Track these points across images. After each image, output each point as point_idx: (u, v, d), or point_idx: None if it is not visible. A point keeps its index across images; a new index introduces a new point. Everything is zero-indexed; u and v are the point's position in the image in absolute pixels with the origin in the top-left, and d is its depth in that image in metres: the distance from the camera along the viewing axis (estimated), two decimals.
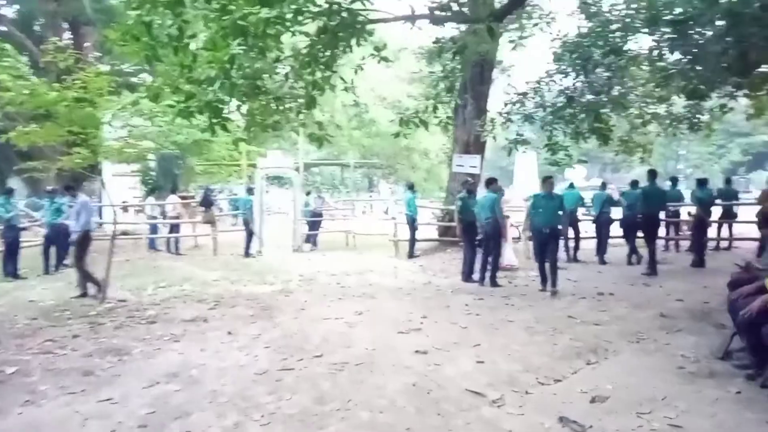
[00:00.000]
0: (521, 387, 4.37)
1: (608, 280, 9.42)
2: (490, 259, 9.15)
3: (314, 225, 15.96)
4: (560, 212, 8.42)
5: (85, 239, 8.55)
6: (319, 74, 8.16)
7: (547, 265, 8.38)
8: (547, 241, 8.27)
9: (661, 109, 12.84)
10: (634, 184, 11.68)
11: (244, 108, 8.43)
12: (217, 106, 7.34)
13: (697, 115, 13.39)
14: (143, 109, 15.40)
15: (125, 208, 20.58)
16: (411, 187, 13.40)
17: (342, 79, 7.71)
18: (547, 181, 8.51)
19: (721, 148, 57.33)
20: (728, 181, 13.81)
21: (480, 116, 12.63)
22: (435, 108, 7.84)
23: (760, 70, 10.82)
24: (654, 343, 5.54)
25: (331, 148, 32.23)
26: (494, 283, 9.02)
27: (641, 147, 16.08)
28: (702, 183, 11.24)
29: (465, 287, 9.06)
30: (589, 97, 9.61)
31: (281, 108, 8.81)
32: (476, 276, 9.26)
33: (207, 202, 13.86)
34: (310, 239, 15.96)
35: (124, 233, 17.80)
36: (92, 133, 8.32)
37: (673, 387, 4.29)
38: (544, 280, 8.41)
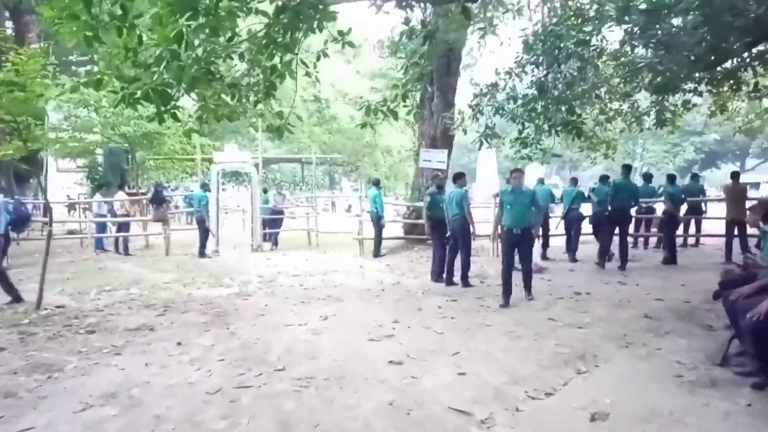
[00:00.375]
0: (511, 403, 3.88)
1: (582, 279, 9.11)
2: (459, 257, 8.69)
3: (275, 223, 15.24)
4: (533, 208, 7.38)
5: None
6: (278, 59, 7.53)
7: (514, 272, 7.35)
8: (518, 243, 7.28)
9: (626, 105, 12.71)
10: (604, 179, 11.42)
11: (197, 96, 7.74)
12: (164, 90, 6.62)
13: (664, 111, 13.32)
14: (89, 99, 14.45)
15: (72, 206, 19.41)
16: (376, 183, 12.87)
17: (303, 63, 7.08)
18: (516, 173, 7.50)
19: (675, 147, 58.91)
20: (695, 177, 13.79)
21: (447, 109, 12.20)
22: (404, 96, 7.27)
23: (725, 65, 10.78)
24: (644, 347, 5.16)
25: (291, 144, 31.52)
26: (466, 283, 8.57)
27: (605, 143, 16.01)
28: (672, 178, 11.08)
29: (436, 288, 8.58)
30: (561, 88, 9.29)
31: (237, 96, 8.14)
32: (456, 278, 8.74)
33: (158, 199, 12.98)
34: (271, 238, 15.25)
35: (71, 232, 16.71)
36: (24, 122, 7.46)
37: (677, 399, 3.88)
38: (507, 292, 7.15)
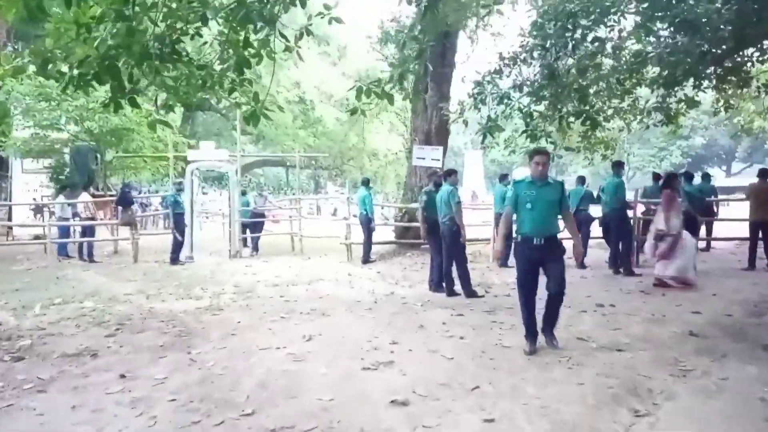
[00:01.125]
0: None
1: (598, 288, 8.11)
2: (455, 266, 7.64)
3: (255, 227, 14.08)
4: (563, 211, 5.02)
5: None
6: (252, 33, 6.48)
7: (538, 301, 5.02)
8: (541, 259, 4.87)
9: (626, 102, 11.86)
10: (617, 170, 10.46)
11: (160, 82, 6.63)
12: (113, 65, 5.50)
13: (670, 105, 12.50)
14: (50, 92, 13.20)
15: (38, 209, 18.06)
16: (366, 182, 11.79)
17: (283, 36, 6.00)
18: (539, 156, 4.92)
19: (662, 150, 58.72)
20: (706, 176, 12.91)
21: (443, 102, 11.20)
22: (401, 77, 6.22)
23: (735, 58, 9.97)
24: (706, 376, 4.14)
25: (275, 147, 30.47)
26: (470, 293, 7.52)
27: (603, 143, 15.14)
28: (689, 177, 10.14)
29: (436, 299, 7.52)
30: (573, 75, 8.31)
31: (209, 82, 7.06)
32: (458, 287, 7.68)
33: (125, 201, 11.79)
34: (251, 243, 14.08)
35: (37, 237, 15.39)
36: None
37: None
38: (532, 334, 4.92)
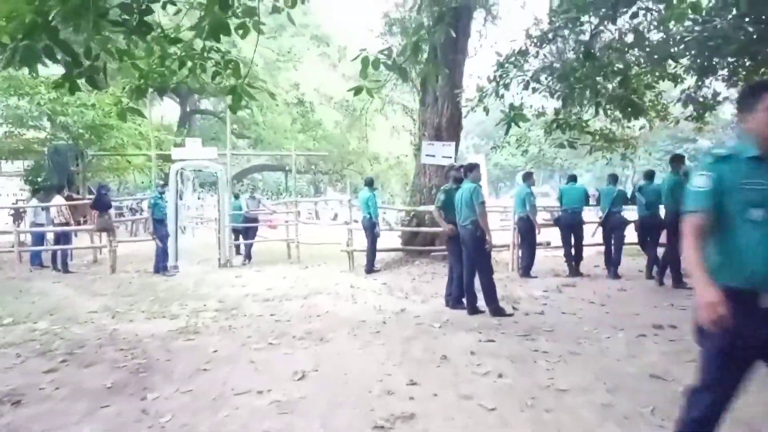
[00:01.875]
0: None
1: (646, 303, 6.90)
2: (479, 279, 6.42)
3: (247, 233, 12.86)
4: None
5: None
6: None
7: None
8: None
9: (649, 95, 10.72)
10: (650, 175, 9.25)
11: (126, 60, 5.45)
12: (54, 29, 4.32)
13: (704, 96, 11.35)
14: (22, 85, 12.01)
15: (17, 214, 16.83)
16: (370, 183, 10.57)
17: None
18: None
19: (668, 154, 57.53)
20: None
21: (454, 92, 10.02)
22: (417, 48, 5.01)
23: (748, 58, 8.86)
24: None
25: (274, 151, 29.41)
26: (497, 311, 6.29)
27: (622, 142, 13.98)
28: None
29: (456, 318, 6.28)
30: (614, 54, 7.12)
31: (189, 64, 5.90)
32: (481, 302, 6.46)
33: (102, 204, 10.56)
34: (243, 250, 12.87)
35: (22, 244, 14.15)
36: None
37: None
38: None
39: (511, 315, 6.30)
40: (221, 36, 5.18)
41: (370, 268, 10.09)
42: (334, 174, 33.59)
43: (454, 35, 7.13)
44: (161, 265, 10.40)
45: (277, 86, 26.86)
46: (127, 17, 4.92)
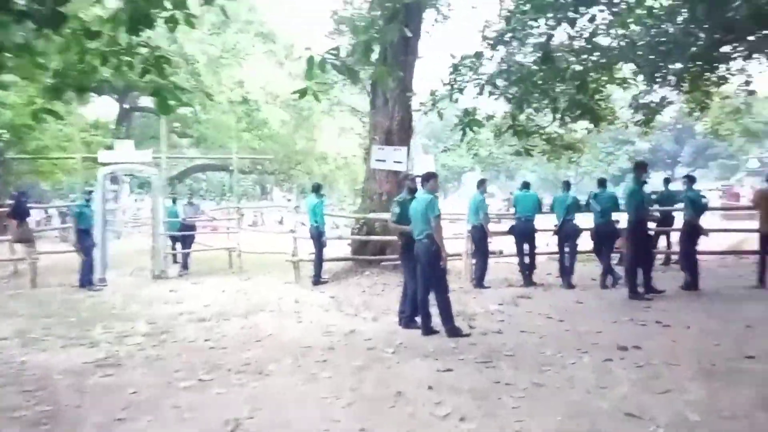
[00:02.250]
0: None
1: (606, 318, 6.63)
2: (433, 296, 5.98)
3: (185, 241, 12.02)
4: None
5: None
6: None
7: None
8: None
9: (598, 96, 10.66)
10: (603, 183, 9.09)
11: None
12: None
13: (651, 103, 11.47)
14: None
15: None
16: (317, 189, 9.98)
17: None
18: None
19: (609, 155, 59.32)
20: (667, 182, 11.76)
21: (406, 95, 9.58)
22: (368, 47, 4.50)
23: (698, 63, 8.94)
24: None
25: (217, 151, 28.32)
26: (453, 332, 5.85)
27: (570, 147, 14.04)
28: (692, 180, 8.82)
29: (410, 339, 5.80)
30: (573, 57, 6.83)
31: (111, 55, 5.19)
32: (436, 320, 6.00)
33: (20, 213, 9.56)
34: (180, 260, 12.02)
35: None
36: None
37: None
38: None
39: (468, 335, 5.87)
40: (150, 30, 4.56)
41: (317, 280, 9.53)
42: (280, 174, 32.71)
43: (409, 34, 6.65)
44: (86, 279, 9.50)
45: (221, 84, 25.85)
46: (38, 6, 4.23)
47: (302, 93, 4.73)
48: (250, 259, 12.15)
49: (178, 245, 12.07)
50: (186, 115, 26.47)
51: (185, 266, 11.65)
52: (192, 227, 12.31)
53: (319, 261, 9.65)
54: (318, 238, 9.59)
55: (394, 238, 6.50)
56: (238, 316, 7.18)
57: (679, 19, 7.88)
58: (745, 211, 15.91)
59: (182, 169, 31.89)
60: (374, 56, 6.82)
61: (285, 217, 27.09)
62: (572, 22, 6.47)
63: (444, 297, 5.92)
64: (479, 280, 9.01)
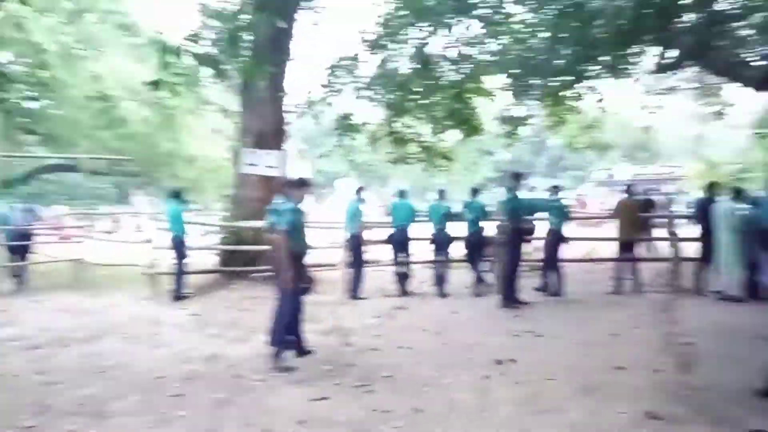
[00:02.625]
0: None
1: (477, 329, 6.59)
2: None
3: (19, 251, 10.42)
4: None
5: None
6: None
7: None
8: None
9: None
10: (476, 192, 9.21)
11: None
12: None
13: (517, 115, 11.87)
14: None
15: None
16: (176, 194, 9.07)
17: None
18: None
19: (474, 165, 62.63)
20: (556, 189, 12.36)
21: (278, 95, 9.03)
22: (234, 38, 3.94)
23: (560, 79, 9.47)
24: None
25: (71, 149, 25.55)
26: (300, 351, 5.40)
27: (444, 156, 14.35)
28: (558, 189, 9.21)
29: (282, 363, 5.29)
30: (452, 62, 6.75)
31: None
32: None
33: None
34: (15, 273, 10.39)
35: None
36: None
37: None
38: None
39: (310, 352, 5.42)
40: None
41: (178, 295, 8.64)
42: (142, 177, 30.30)
43: (285, 25, 6.14)
44: None
45: (75, 77, 23.36)
46: None
47: (155, 84, 4.08)
48: (101, 273, 10.84)
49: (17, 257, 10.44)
50: (35, 111, 23.65)
51: (22, 281, 10.09)
52: (29, 236, 10.70)
53: (180, 273, 8.76)
54: (179, 248, 8.71)
55: (266, 247, 5.90)
56: (80, 341, 6.20)
57: (546, 35, 8.16)
58: (594, 220, 17.33)
59: (29, 170, 28.40)
60: (244, 52, 6.24)
61: (143, 225, 24.94)
62: (449, 27, 6.38)
63: (294, 313, 5.41)
64: (355, 291, 8.70)
